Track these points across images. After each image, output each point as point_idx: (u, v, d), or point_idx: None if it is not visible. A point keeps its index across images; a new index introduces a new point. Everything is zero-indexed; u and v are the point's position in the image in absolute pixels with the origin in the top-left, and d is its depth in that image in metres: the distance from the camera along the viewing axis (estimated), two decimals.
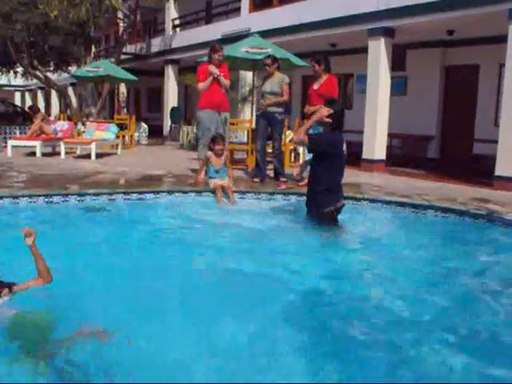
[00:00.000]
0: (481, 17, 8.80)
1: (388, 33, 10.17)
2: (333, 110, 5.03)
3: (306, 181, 7.49)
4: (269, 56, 7.99)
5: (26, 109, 21.31)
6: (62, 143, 11.10)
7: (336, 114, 5.03)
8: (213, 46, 7.72)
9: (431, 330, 2.94)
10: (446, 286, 3.75)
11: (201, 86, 7.60)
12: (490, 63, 11.06)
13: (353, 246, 4.84)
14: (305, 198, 5.41)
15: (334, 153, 5.00)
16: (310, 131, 7.45)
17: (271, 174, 8.03)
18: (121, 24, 20.46)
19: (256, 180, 7.70)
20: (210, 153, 6.80)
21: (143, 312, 3.01)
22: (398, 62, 11.51)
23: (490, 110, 11.13)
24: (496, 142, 8.43)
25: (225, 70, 7.63)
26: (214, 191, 6.50)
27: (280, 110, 7.74)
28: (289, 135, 10.07)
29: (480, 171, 9.70)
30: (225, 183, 6.54)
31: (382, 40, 10.13)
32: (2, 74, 21.05)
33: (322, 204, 5.01)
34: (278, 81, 7.66)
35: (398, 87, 12.24)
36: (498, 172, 8.32)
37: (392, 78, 10.55)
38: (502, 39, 8.42)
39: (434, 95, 12.26)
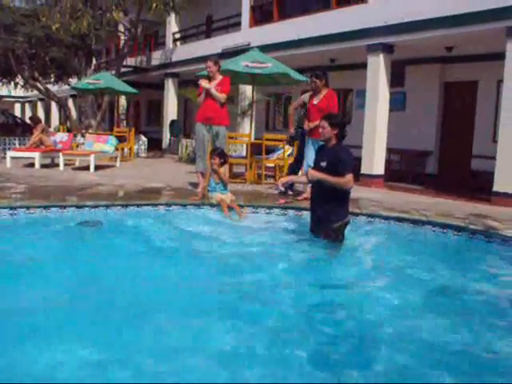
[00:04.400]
0: (479, 34, 8.88)
1: (387, 49, 10.25)
2: (335, 120, 5.01)
3: (305, 195, 7.55)
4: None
5: (27, 120, 21.35)
6: (60, 155, 11.12)
7: (340, 124, 5.00)
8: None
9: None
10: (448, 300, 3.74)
11: (198, 99, 7.66)
12: (488, 80, 11.11)
13: (355, 261, 4.79)
14: (303, 212, 5.35)
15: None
16: (310, 146, 7.50)
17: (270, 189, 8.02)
18: (122, 37, 20.60)
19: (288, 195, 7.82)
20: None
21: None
22: (396, 77, 11.58)
23: (488, 126, 11.16)
24: (494, 158, 8.47)
25: (222, 83, 7.52)
26: (216, 205, 6.50)
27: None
28: (287, 150, 10.08)
29: (478, 187, 9.71)
30: (227, 197, 6.54)
31: (381, 56, 10.21)
32: (3, 84, 21.14)
33: (332, 218, 4.91)
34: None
35: (397, 103, 12.30)
36: (495, 188, 8.37)
37: (391, 93, 10.61)
38: (500, 56, 8.49)
39: (433, 111, 12.29)
